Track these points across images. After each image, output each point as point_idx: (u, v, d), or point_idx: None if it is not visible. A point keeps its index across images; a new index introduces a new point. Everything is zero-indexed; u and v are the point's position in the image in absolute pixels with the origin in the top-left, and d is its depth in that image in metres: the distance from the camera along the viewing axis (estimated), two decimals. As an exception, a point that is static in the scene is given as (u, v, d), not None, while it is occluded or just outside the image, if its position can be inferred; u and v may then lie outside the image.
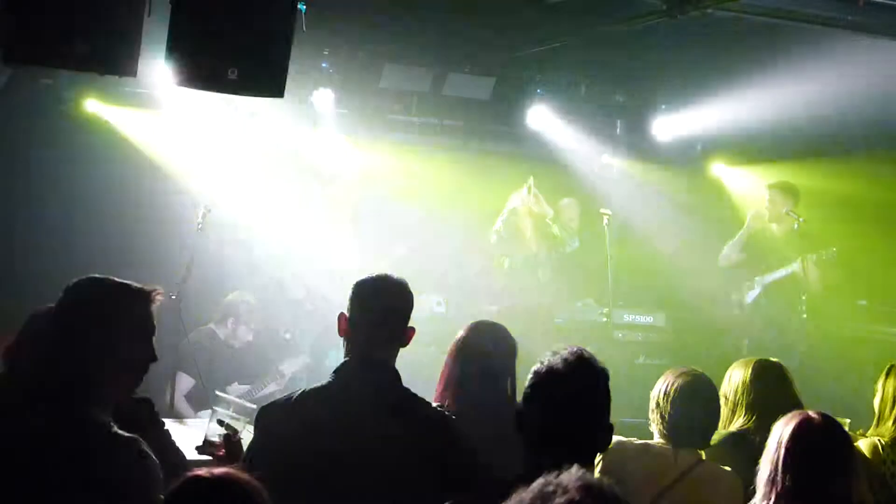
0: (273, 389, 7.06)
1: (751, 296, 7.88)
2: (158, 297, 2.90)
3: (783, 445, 2.97)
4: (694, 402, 3.71)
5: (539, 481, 1.78)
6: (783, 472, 2.93)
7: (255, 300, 7.25)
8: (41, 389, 2.77)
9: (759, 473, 3.03)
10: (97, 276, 2.92)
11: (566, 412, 2.60)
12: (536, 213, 7.80)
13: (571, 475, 1.78)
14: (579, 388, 2.62)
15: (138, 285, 2.90)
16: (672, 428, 3.69)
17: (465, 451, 3.27)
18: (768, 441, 3.04)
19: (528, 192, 7.74)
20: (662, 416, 3.72)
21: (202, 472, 2.10)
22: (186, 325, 6.33)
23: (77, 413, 2.71)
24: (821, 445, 2.97)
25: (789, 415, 3.08)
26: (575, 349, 2.68)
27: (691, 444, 3.68)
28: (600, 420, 2.64)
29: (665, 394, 3.73)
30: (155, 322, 2.91)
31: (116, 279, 2.91)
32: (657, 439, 3.75)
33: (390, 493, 3.09)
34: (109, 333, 2.80)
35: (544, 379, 2.64)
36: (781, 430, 3.02)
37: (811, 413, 3.07)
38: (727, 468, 3.72)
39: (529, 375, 2.68)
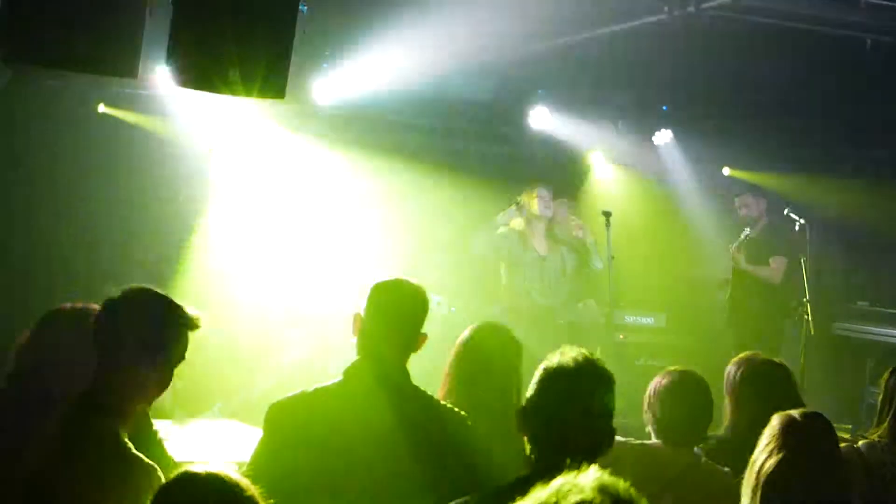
0: (271, 383, 7.06)
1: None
2: (199, 326, 2.88)
3: (764, 471, 2.91)
4: (684, 400, 3.71)
5: (558, 480, 1.78)
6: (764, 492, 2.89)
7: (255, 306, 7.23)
8: (65, 394, 2.76)
9: (742, 485, 2.99)
10: (147, 289, 2.89)
11: (572, 413, 2.60)
12: (549, 218, 7.74)
13: (588, 475, 1.78)
14: (587, 389, 2.62)
15: (189, 311, 2.87)
16: (662, 425, 3.71)
17: (477, 451, 3.27)
18: (755, 453, 2.99)
19: (540, 196, 7.67)
20: (654, 415, 3.74)
21: (195, 467, 2.11)
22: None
23: (97, 426, 2.68)
24: (805, 468, 2.91)
25: (777, 421, 3.02)
26: (583, 351, 2.68)
27: (684, 442, 3.69)
28: (605, 423, 2.64)
29: (655, 392, 3.75)
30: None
31: (164, 296, 2.88)
32: (653, 439, 3.76)
33: (399, 493, 3.09)
34: (148, 355, 2.78)
35: (552, 378, 2.65)
36: (765, 452, 2.96)
37: (796, 419, 3.00)
38: (724, 468, 3.72)
39: (537, 373, 2.67)
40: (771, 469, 2.90)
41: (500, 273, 7.69)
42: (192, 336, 2.87)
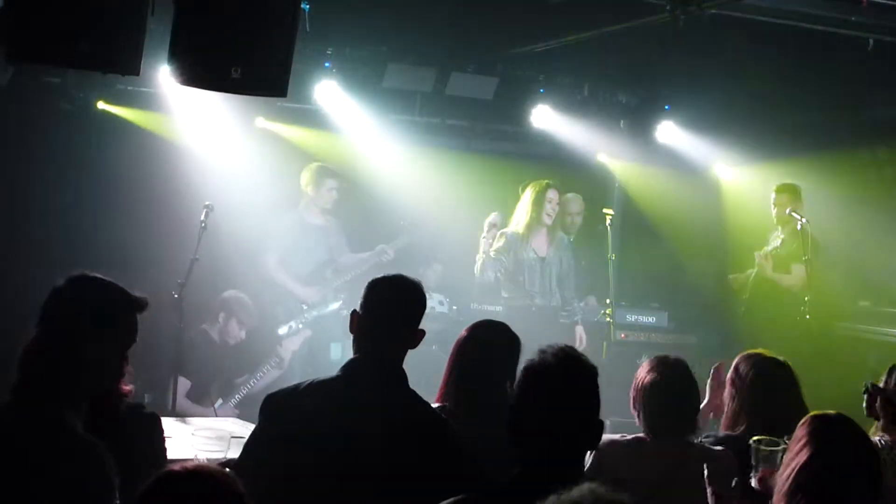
0: (275, 376, 7.07)
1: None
2: (146, 306, 2.90)
3: (811, 465, 2.84)
4: (668, 394, 3.71)
5: (552, 498, 1.77)
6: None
7: (251, 300, 7.24)
8: (18, 385, 2.75)
9: (778, 486, 2.94)
10: (92, 275, 2.91)
11: (559, 412, 2.57)
12: (550, 215, 7.77)
13: (583, 490, 1.78)
14: (570, 385, 2.59)
15: (131, 293, 2.89)
16: (650, 420, 3.71)
17: (464, 456, 3.28)
18: (791, 451, 2.93)
19: (549, 201, 7.71)
20: (640, 410, 3.74)
21: (176, 467, 2.10)
22: (187, 325, 6.33)
23: (47, 413, 2.68)
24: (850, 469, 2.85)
25: (814, 421, 2.96)
26: (563, 346, 2.65)
27: (674, 433, 3.69)
28: (591, 417, 2.61)
29: (640, 388, 3.75)
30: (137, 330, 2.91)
31: (108, 280, 2.90)
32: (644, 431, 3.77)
33: (387, 493, 3.10)
34: (94, 337, 2.79)
35: (534, 377, 2.61)
36: (807, 444, 2.88)
37: (840, 422, 2.93)
38: (718, 447, 3.73)
39: (518, 374, 2.65)
40: (805, 466, 2.84)
41: (499, 275, 7.70)
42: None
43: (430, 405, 3.39)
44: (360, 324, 3.29)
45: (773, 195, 7.86)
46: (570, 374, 2.60)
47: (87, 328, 2.78)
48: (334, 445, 3.12)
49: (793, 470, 2.85)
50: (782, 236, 7.75)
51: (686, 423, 3.73)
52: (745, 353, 4.17)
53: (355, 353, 3.30)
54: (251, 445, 3.24)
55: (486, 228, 7.79)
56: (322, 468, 3.11)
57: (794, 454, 2.90)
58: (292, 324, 7.49)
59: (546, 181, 7.77)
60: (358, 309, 3.31)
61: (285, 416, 3.21)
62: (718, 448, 3.75)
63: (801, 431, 2.93)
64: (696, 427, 3.77)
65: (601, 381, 2.67)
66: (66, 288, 2.84)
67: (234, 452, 4.18)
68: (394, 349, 3.29)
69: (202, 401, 6.75)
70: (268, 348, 7.29)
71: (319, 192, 7.85)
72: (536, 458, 2.56)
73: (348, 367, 3.27)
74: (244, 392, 7.04)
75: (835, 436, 2.89)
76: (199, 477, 2.08)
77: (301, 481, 3.10)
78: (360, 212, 8.47)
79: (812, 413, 3.04)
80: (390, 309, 3.31)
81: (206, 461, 3.44)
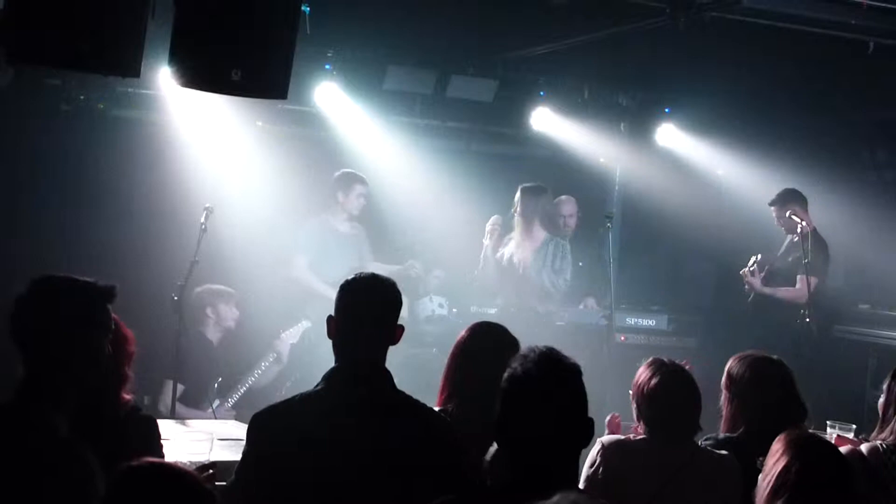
0: (275, 371, 7.05)
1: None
2: (115, 295, 2.91)
3: (788, 468, 2.94)
4: (669, 396, 3.70)
5: None
6: None
7: (223, 287, 7.21)
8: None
9: (760, 491, 2.99)
10: (54, 275, 2.92)
11: (545, 416, 2.52)
12: (527, 221, 7.79)
13: (567, 499, 1.77)
14: (555, 390, 2.54)
15: (97, 284, 2.90)
16: (655, 427, 3.70)
17: (457, 452, 3.26)
18: (769, 462, 3.01)
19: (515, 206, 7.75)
20: (643, 416, 3.73)
21: (135, 462, 2.09)
22: (186, 327, 6.32)
23: (31, 415, 2.69)
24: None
25: (788, 435, 3.06)
26: (544, 349, 2.60)
27: (678, 435, 3.69)
28: (580, 418, 2.57)
29: (642, 394, 3.74)
30: (112, 320, 2.92)
31: (73, 277, 2.91)
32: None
33: (382, 496, 3.08)
34: (66, 332, 2.80)
35: (517, 384, 2.56)
36: (784, 453, 2.99)
37: (810, 435, 3.02)
38: (721, 451, 3.74)
39: (503, 384, 2.58)
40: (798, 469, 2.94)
41: (494, 275, 7.70)
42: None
43: (419, 402, 3.34)
44: (338, 328, 3.25)
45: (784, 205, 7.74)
46: (554, 379, 2.55)
47: (57, 329, 2.79)
48: (325, 458, 3.08)
49: (773, 475, 2.96)
50: (796, 240, 7.66)
51: (688, 426, 3.72)
52: (738, 354, 4.16)
53: (336, 359, 3.25)
54: (242, 467, 3.19)
55: (486, 233, 7.83)
56: (313, 480, 3.08)
57: (773, 463, 3.00)
58: None
59: (521, 185, 7.80)
60: (333, 313, 3.26)
61: (274, 436, 3.16)
62: (722, 452, 3.75)
63: (776, 444, 3.05)
64: (699, 429, 3.76)
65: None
66: (30, 293, 2.84)
67: (217, 454, 4.21)
68: (374, 351, 3.25)
69: (199, 404, 6.74)
70: (266, 344, 7.28)
71: (349, 198, 7.82)
72: (528, 462, 2.53)
73: (331, 377, 3.22)
74: (242, 390, 7.02)
75: (807, 444, 3.04)
76: (155, 472, 2.07)
77: (297, 498, 3.08)
78: (381, 219, 8.45)
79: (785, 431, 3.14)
80: (363, 311, 3.25)
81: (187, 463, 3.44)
